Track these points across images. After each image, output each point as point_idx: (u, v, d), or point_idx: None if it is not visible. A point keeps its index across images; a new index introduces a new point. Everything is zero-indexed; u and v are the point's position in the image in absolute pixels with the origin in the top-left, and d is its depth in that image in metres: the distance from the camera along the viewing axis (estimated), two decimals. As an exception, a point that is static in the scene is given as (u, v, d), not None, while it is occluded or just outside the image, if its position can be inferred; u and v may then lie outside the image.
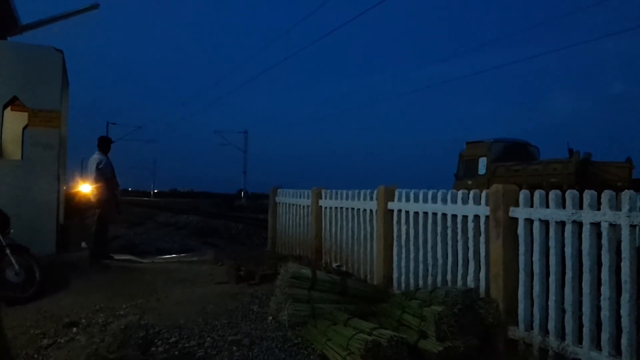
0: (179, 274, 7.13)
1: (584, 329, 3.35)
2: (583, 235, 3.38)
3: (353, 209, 6.33)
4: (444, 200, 4.65)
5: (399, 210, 5.30)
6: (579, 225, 3.43)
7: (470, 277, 4.29)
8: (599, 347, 3.25)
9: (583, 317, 3.36)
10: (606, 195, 3.24)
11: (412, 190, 5.12)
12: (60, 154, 8.01)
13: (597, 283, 3.28)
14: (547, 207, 3.65)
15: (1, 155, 7.73)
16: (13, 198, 6.87)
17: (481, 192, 4.30)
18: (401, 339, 3.55)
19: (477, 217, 4.26)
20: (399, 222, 5.32)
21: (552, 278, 3.61)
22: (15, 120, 8.63)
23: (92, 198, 8.52)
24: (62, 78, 7.89)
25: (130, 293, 5.78)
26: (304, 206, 7.82)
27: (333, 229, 6.85)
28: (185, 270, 7.53)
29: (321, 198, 7.26)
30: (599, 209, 3.28)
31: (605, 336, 3.19)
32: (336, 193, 6.87)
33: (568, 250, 3.49)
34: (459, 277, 4.42)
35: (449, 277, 4.55)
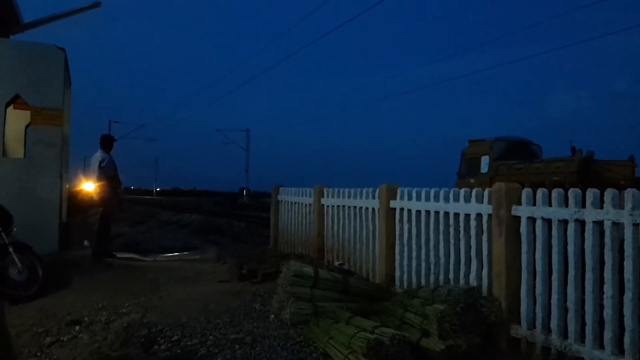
0: (181, 272, 7.14)
1: (586, 328, 3.34)
2: (586, 233, 3.38)
3: (355, 207, 6.33)
4: (446, 199, 4.65)
5: (401, 209, 5.30)
6: (581, 223, 3.42)
7: (472, 276, 4.28)
8: (601, 345, 3.24)
9: (586, 315, 3.35)
10: (609, 193, 3.23)
11: (415, 189, 5.11)
12: (63, 152, 8.02)
13: (600, 282, 3.28)
14: (550, 205, 3.65)
15: (4, 153, 7.73)
16: (16, 196, 6.87)
17: (483, 190, 4.29)
18: (403, 337, 3.54)
19: (479, 215, 4.26)
20: (401, 220, 5.31)
21: (554, 276, 3.60)
22: (17, 119, 8.63)
23: (95, 196, 8.53)
24: (64, 76, 7.90)
25: (132, 291, 5.79)
26: (306, 204, 7.82)
27: (335, 228, 6.85)
28: (187, 269, 7.54)
29: (323, 196, 7.26)
30: (601, 208, 3.28)
31: (608, 335, 3.18)
32: (338, 191, 6.87)
33: (571, 248, 3.48)
34: (461, 275, 4.41)
35: (451, 275, 4.55)
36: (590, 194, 3.35)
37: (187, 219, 22.11)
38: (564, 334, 3.52)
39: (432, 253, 4.82)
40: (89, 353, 3.68)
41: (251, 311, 4.84)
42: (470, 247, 4.34)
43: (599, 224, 3.29)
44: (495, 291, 4.00)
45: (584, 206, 3.40)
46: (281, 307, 4.52)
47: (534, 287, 3.76)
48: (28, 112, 7.81)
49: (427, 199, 4.90)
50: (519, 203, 3.89)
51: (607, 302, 3.20)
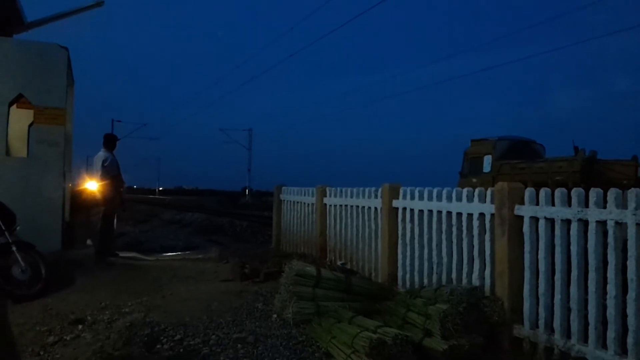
0: (183, 272, 7.15)
1: (589, 328, 3.33)
2: (589, 233, 3.37)
3: (357, 206, 6.33)
4: (449, 198, 4.64)
5: (404, 208, 5.30)
6: (584, 223, 3.41)
7: (475, 275, 4.28)
8: (604, 346, 3.23)
9: (589, 315, 3.34)
10: (612, 193, 3.22)
11: (417, 188, 5.11)
12: (66, 152, 8.04)
13: (603, 281, 3.27)
14: (553, 205, 3.64)
15: (7, 152, 7.75)
16: (19, 195, 6.89)
17: (486, 190, 4.28)
18: (406, 337, 3.54)
19: (482, 215, 4.25)
20: (403, 220, 5.31)
21: (557, 276, 3.59)
22: (20, 118, 8.66)
23: (98, 195, 8.54)
24: (67, 75, 7.92)
25: (135, 290, 5.80)
26: (308, 204, 7.82)
27: (337, 227, 6.85)
28: (190, 268, 7.55)
29: (325, 196, 7.26)
30: (605, 207, 3.26)
31: (611, 335, 3.18)
32: (341, 191, 6.87)
33: (574, 248, 3.47)
34: (464, 275, 4.41)
35: (453, 275, 4.54)
36: (594, 193, 3.34)
37: (190, 218, 22.12)
38: (567, 334, 3.51)
39: (434, 252, 4.81)
40: (92, 352, 3.69)
41: (254, 310, 4.85)
42: (473, 246, 4.34)
43: (602, 223, 3.28)
44: (497, 291, 3.99)
45: (587, 206, 3.39)
46: (283, 307, 4.52)
47: (537, 287, 3.75)
48: (31, 111, 7.84)
49: (430, 198, 4.89)
50: (522, 203, 3.89)
51: (610, 302, 3.19)
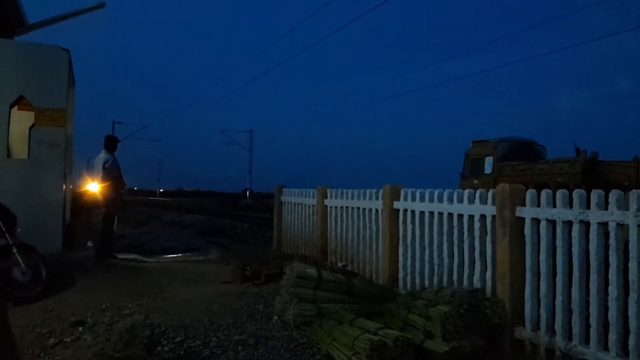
0: (184, 273, 7.14)
1: (591, 330, 3.33)
2: (590, 235, 3.36)
3: (359, 208, 6.32)
4: (450, 200, 4.63)
5: (405, 210, 5.29)
6: (586, 225, 3.41)
7: (476, 277, 4.27)
8: (606, 347, 3.23)
9: (590, 317, 3.34)
10: (614, 194, 3.22)
11: (418, 190, 5.10)
12: (67, 153, 8.04)
13: (605, 283, 3.26)
14: (554, 206, 3.63)
15: (8, 154, 7.76)
16: (20, 197, 6.89)
17: (487, 191, 4.28)
18: (407, 339, 3.54)
19: (483, 216, 4.24)
20: (404, 221, 5.30)
21: (558, 278, 3.59)
22: (21, 120, 8.67)
23: (99, 197, 8.54)
24: (68, 77, 7.92)
25: (136, 292, 5.80)
26: (309, 205, 7.81)
27: (338, 229, 6.84)
28: (190, 270, 7.54)
29: (326, 197, 7.25)
30: (606, 209, 3.26)
31: (612, 337, 3.17)
32: (341, 192, 6.86)
33: (575, 250, 3.47)
34: (465, 277, 4.40)
35: (455, 277, 4.54)
36: (595, 195, 3.33)
37: (190, 220, 22.14)
38: (568, 335, 3.50)
39: (435, 254, 4.81)
40: (93, 354, 3.68)
41: (254, 312, 4.84)
42: (474, 248, 4.33)
43: (604, 225, 3.27)
44: (499, 293, 3.99)
45: (588, 207, 3.39)
46: (284, 309, 4.51)
47: (538, 289, 3.75)
48: (32, 113, 7.85)
49: (431, 200, 4.89)
50: (523, 204, 3.88)
51: (612, 304, 3.19)
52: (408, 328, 3.95)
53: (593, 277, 3.32)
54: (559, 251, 3.59)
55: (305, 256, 7.34)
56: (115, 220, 8.78)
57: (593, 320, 3.31)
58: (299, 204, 8.26)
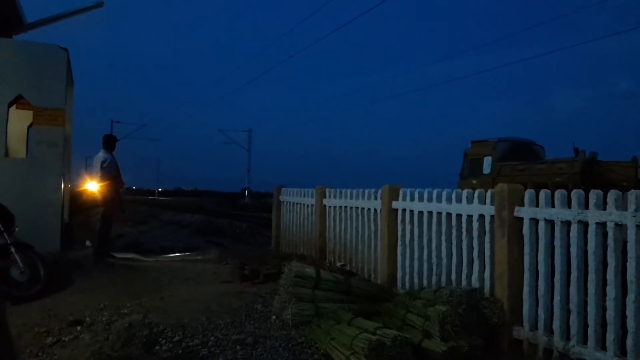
0: (183, 273, 7.13)
1: (589, 330, 3.33)
2: (589, 235, 3.37)
3: (357, 208, 6.32)
4: (449, 200, 4.64)
5: (404, 210, 5.29)
6: (584, 225, 3.41)
7: (474, 277, 4.27)
8: (604, 347, 3.23)
9: (588, 317, 3.35)
10: (612, 195, 3.22)
11: (417, 190, 5.10)
12: (65, 152, 8.04)
13: (603, 283, 3.27)
14: (553, 206, 3.63)
15: (6, 153, 7.75)
16: (18, 196, 6.88)
17: (486, 191, 4.28)
18: (405, 338, 3.54)
19: (482, 216, 4.24)
20: (403, 221, 5.30)
21: (557, 278, 3.59)
22: (20, 119, 8.66)
23: (98, 196, 8.53)
24: (66, 76, 7.92)
25: (134, 291, 5.79)
26: (307, 205, 7.81)
27: (337, 228, 6.84)
28: (189, 269, 7.53)
29: (325, 197, 7.25)
30: (604, 209, 3.27)
31: (610, 337, 3.17)
32: (340, 192, 6.86)
33: (573, 250, 3.47)
34: (464, 276, 4.40)
35: (453, 276, 4.54)
36: (594, 195, 3.34)
37: (189, 219, 22.13)
38: (567, 335, 3.50)
39: (434, 254, 4.81)
40: (91, 353, 3.68)
41: (253, 312, 4.84)
42: (473, 248, 4.33)
43: (602, 225, 3.28)
44: (497, 292, 3.99)
45: (587, 207, 3.39)
46: (283, 308, 4.51)
47: (537, 289, 3.75)
48: (30, 112, 7.83)
49: (430, 199, 4.89)
50: (522, 204, 3.88)
51: (610, 304, 3.19)
52: (406, 328, 3.95)
53: (591, 277, 3.33)
54: (558, 251, 3.60)
55: (303, 256, 7.34)
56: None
57: (591, 320, 3.32)
58: (297, 203, 8.26)
